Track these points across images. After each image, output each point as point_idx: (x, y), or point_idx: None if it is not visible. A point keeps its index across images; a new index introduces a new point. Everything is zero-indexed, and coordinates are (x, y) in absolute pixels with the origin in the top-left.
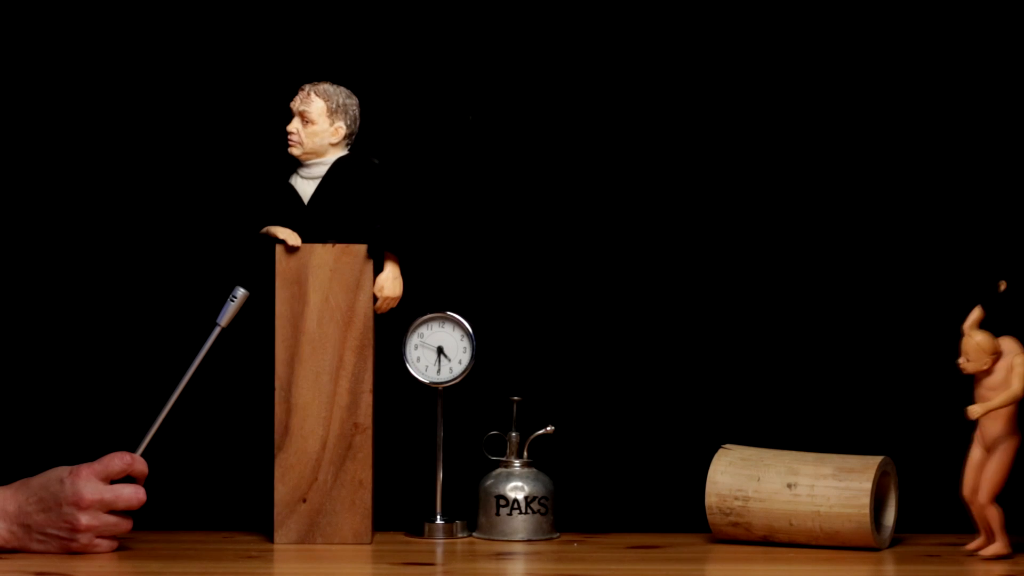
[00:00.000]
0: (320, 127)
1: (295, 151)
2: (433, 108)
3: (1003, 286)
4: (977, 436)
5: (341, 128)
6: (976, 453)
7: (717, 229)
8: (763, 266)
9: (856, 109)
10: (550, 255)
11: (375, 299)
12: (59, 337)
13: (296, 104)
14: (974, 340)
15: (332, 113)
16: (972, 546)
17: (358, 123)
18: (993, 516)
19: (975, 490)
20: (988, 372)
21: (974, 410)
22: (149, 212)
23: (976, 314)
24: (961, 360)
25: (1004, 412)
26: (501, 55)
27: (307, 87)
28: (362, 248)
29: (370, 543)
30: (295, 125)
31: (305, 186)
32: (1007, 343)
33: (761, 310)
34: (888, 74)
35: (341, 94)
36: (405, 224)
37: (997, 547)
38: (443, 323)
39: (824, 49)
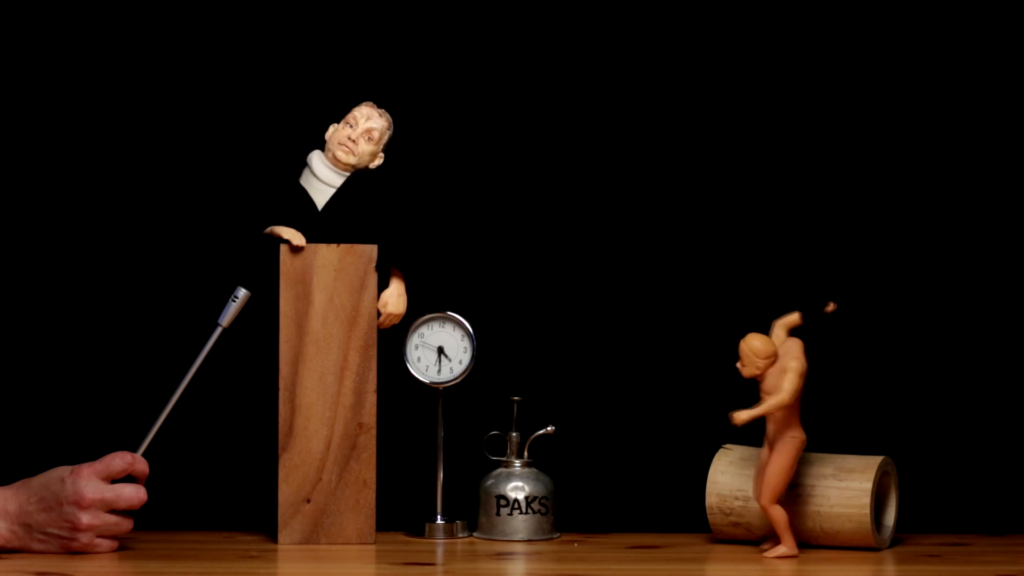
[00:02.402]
0: (374, 149)
1: (348, 159)
2: (434, 110)
3: (831, 307)
4: (765, 439)
5: (382, 157)
6: (764, 454)
7: (715, 229)
8: (762, 266)
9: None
10: (550, 256)
11: (379, 314)
12: (59, 337)
13: (363, 118)
14: (747, 345)
15: (386, 142)
16: (766, 548)
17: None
18: (775, 518)
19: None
20: (765, 376)
21: (739, 416)
22: (151, 213)
23: (792, 318)
24: (738, 364)
25: (781, 414)
26: (500, 63)
27: (374, 106)
28: (367, 248)
29: (374, 543)
30: (356, 134)
31: (319, 194)
32: (788, 345)
33: (761, 310)
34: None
35: (391, 128)
36: (414, 243)
37: (783, 548)
38: (443, 323)
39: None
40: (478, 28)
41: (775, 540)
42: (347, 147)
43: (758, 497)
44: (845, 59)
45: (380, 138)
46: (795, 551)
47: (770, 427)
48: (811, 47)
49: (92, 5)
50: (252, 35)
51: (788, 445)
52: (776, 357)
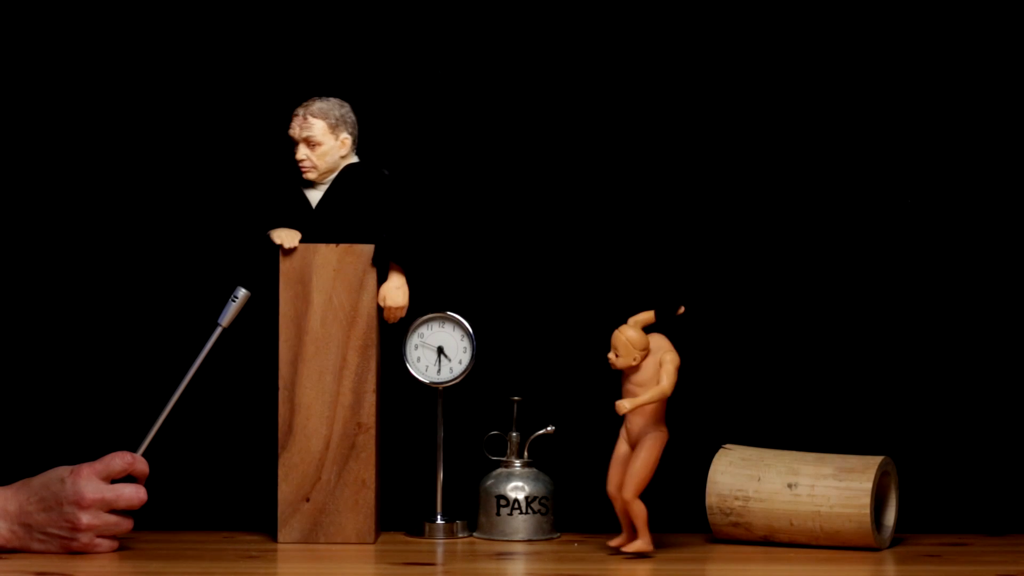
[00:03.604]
0: (327, 146)
1: (311, 175)
2: (433, 111)
3: (681, 310)
4: (623, 431)
5: (347, 139)
6: (622, 448)
7: (713, 228)
8: (762, 266)
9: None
10: (550, 256)
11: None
12: (59, 337)
13: (296, 132)
14: (624, 336)
15: (334, 128)
16: (615, 543)
17: (357, 127)
18: (637, 513)
19: (620, 486)
20: (637, 368)
21: (623, 405)
22: (151, 213)
23: (645, 316)
24: (611, 355)
25: (650, 408)
26: (499, 63)
27: (300, 111)
28: (365, 248)
29: (374, 543)
30: (303, 152)
31: (313, 193)
32: (656, 340)
33: (761, 309)
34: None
35: (335, 107)
36: (411, 236)
37: (640, 544)
38: (443, 323)
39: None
40: (477, 24)
41: (628, 535)
42: (303, 167)
43: (618, 491)
44: (705, 62)
45: (324, 135)
46: (651, 548)
47: (638, 421)
48: (668, 47)
49: (95, 7)
50: (252, 38)
51: (656, 440)
52: (649, 350)
